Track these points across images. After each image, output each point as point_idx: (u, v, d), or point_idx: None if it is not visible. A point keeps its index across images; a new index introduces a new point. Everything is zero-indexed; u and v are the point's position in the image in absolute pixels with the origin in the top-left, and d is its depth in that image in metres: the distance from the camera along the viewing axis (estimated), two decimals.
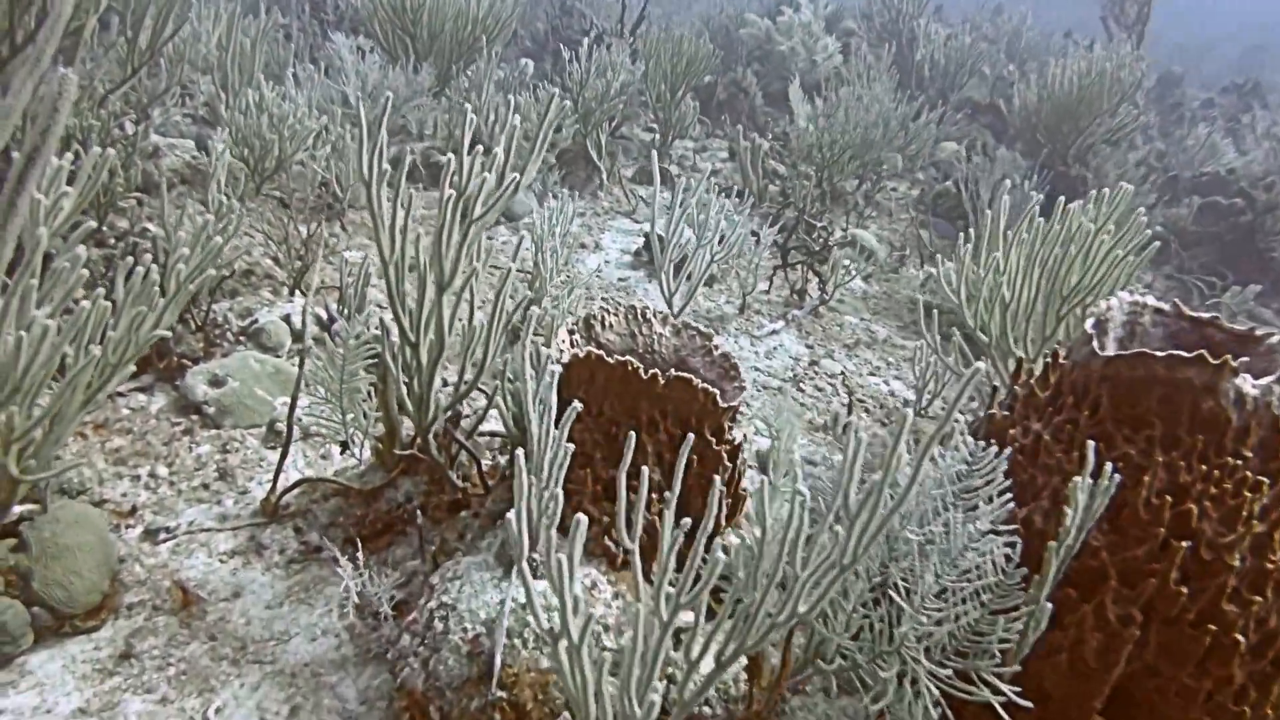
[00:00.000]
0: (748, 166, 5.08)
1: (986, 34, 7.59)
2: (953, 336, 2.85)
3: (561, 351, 1.80)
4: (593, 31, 6.54)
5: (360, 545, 2.00)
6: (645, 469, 1.34)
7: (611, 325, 1.96)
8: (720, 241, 3.64)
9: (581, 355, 1.71)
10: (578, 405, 1.46)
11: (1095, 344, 1.54)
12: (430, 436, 1.97)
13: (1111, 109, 5.09)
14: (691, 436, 1.39)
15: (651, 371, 1.67)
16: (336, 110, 4.11)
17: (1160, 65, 7.53)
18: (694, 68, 5.45)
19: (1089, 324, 1.59)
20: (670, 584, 1.26)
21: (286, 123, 3.71)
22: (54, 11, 1.04)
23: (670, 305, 3.67)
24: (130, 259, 1.82)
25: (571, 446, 1.46)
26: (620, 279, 4.14)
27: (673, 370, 1.70)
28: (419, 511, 1.96)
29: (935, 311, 2.79)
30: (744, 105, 6.41)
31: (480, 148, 1.76)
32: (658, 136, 5.70)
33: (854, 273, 4.46)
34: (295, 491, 2.24)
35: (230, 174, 3.53)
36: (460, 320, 1.91)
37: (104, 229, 3.08)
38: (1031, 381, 1.71)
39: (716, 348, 1.98)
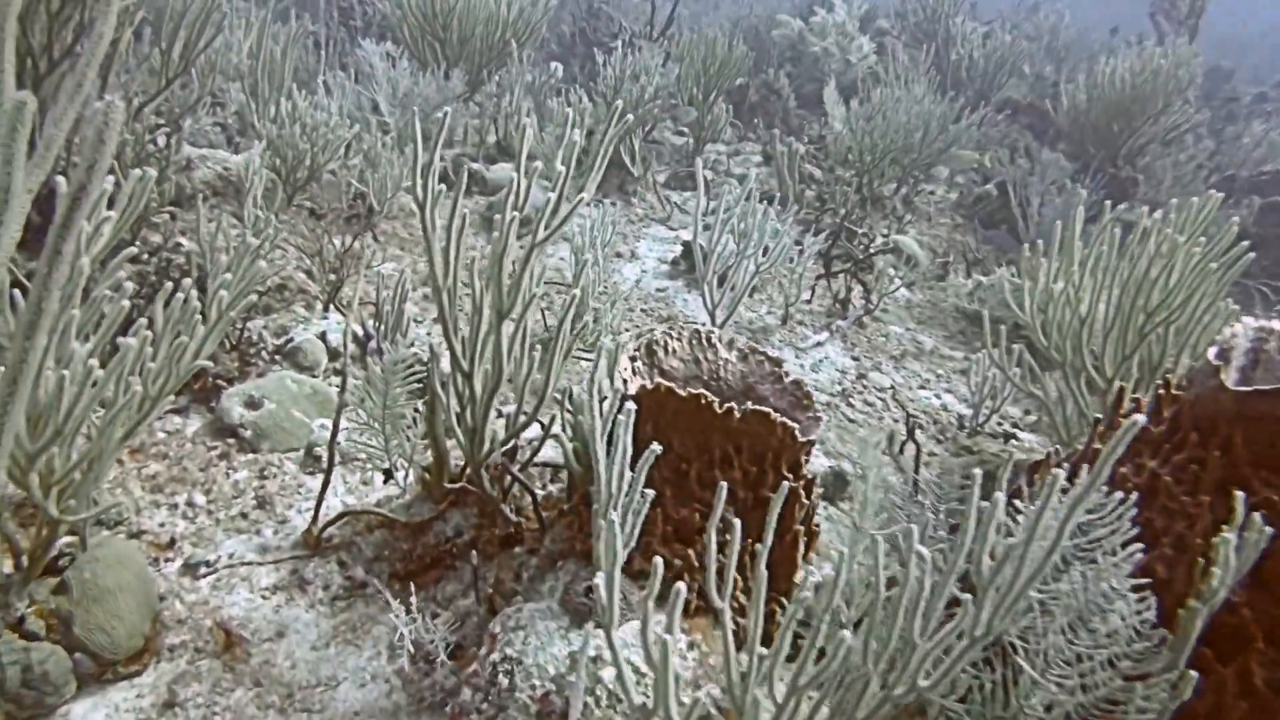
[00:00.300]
0: (784, 171, 4.94)
1: (1027, 32, 7.38)
2: (1019, 352, 2.71)
3: (625, 381, 1.69)
4: (622, 34, 6.43)
5: (409, 584, 1.89)
6: (737, 523, 1.22)
7: (675, 351, 1.84)
8: (764, 253, 3.51)
9: (650, 387, 1.59)
10: (657, 448, 1.34)
11: (1222, 375, 1.40)
12: (482, 469, 1.86)
13: (1165, 108, 4.90)
14: (786, 485, 1.27)
15: (727, 405, 1.55)
16: (369, 119, 4.03)
17: (1208, 60, 7.28)
18: (727, 70, 5.32)
19: (1212, 353, 1.45)
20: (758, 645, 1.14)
21: (319, 132, 3.63)
22: (95, 32, 0.94)
23: (713, 318, 3.55)
24: (170, 284, 1.72)
25: (651, 492, 1.35)
26: (659, 289, 4.02)
27: (749, 404, 1.58)
28: (473, 550, 1.85)
29: (1002, 327, 2.65)
30: (777, 108, 6.26)
31: (539, 163, 1.65)
32: (690, 140, 5.57)
33: (898, 281, 4.31)
34: (338, 523, 2.14)
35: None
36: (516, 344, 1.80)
37: (137, 244, 3.01)
38: (1144, 412, 1.57)
39: (787, 374, 1.85)
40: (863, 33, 6.89)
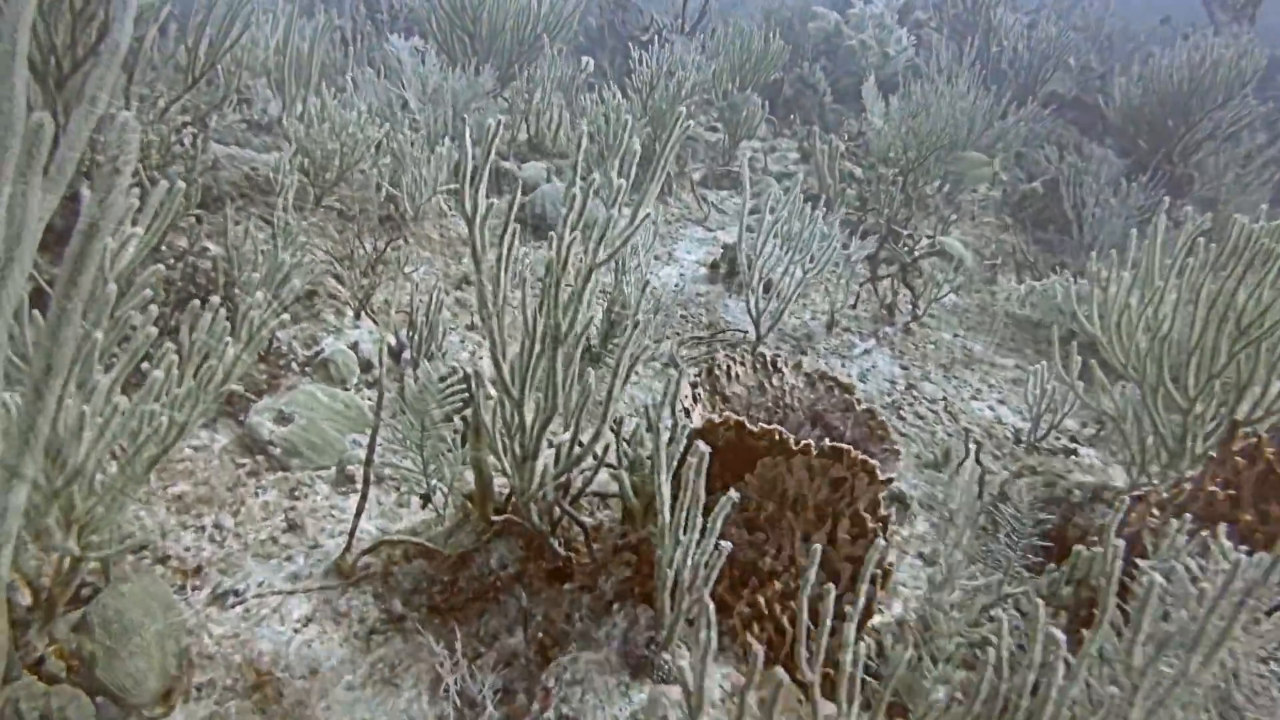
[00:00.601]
0: (824, 169, 4.77)
1: (1074, 23, 7.09)
2: (1082, 365, 2.54)
3: (688, 411, 1.55)
4: (652, 28, 6.26)
5: (450, 619, 1.78)
6: (830, 589, 1.09)
7: (738, 376, 1.70)
8: (811, 260, 3.36)
9: (718, 420, 1.45)
10: (734, 495, 1.20)
11: None
12: (531, 502, 1.74)
13: (1225, 101, 4.66)
14: (881, 541, 1.12)
15: (803, 442, 1.41)
16: (400, 116, 3.91)
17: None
18: (764, 64, 5.14)
19: None
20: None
21: (348, 130, 3.52)
22: (110, 42, 0.81)
23: (757, 326, 3.40)
24: (196, 301, 1.61)
25: (727, 545, 1.21)
26: (699, 294, 3.88)
27: (826, 440, 1.44)
28: (518, 585, 1.73)
29: (1074, 342, 2.48)
30: (813, 103, 6.08)
31: (595, 175, 1.51)
32: (725, 137, 5.41)
33: (947, 286, 4.13)
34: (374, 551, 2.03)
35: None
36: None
37: (162, 248, 2.91)
38: (1269, 453, 1.41)
39: (859, 402, 1.71)
40: (900, 25, 6.67)
